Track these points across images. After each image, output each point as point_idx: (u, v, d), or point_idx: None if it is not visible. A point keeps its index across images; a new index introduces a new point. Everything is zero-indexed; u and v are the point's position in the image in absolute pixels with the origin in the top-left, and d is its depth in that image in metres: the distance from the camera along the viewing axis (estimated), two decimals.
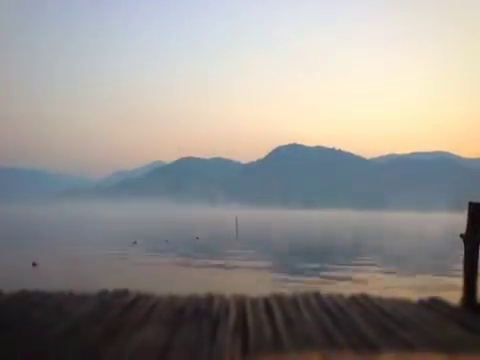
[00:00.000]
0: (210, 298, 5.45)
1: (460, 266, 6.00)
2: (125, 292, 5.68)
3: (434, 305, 5.38)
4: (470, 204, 5.88)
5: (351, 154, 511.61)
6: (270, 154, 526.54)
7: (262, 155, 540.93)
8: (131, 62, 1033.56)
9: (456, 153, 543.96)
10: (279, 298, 5.50)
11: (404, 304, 5.46)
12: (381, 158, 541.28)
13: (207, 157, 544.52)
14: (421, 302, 5.54)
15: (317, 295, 5.65)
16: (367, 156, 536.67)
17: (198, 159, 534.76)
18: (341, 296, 5.66)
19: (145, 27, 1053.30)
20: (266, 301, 5.34)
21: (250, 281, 16.61)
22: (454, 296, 5.86)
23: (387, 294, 6.31)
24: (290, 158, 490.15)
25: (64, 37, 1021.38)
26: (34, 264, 19.67)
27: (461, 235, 5.95)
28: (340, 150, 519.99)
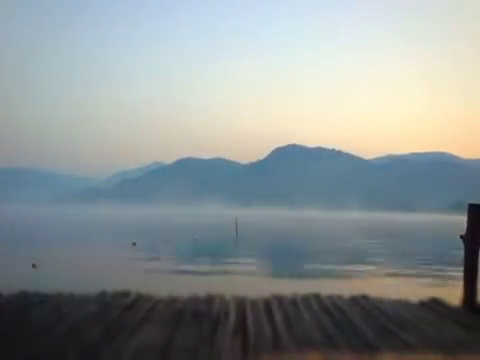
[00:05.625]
0: (210, 299, 5.45)
1: (460, 267, 6.00)
2: (125, 293, 5.68)
3: (434, 306, 5.38)
4: (470, 206, 5.88)
5: (350, 154, 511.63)
6: (270, 155, 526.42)
7: (262, 156, 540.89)
8: (131, 63, 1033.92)
9: (455, 153, 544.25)
10: (279, 299, 5.50)
11: (404, 305, 5.46)
12: (380, 158, 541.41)
13: (207, 157, 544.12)
14: (421, 303, 5.54)
15: (317, 296, 5.65)
16: (366, 156, 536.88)
17: (198, 159, 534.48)
18: (341, 297, 5.66)
19: (146, 28, 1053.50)
20: (266, 302, 5.35)
21: (250, 282, 16.59)
22: (454, 297, 5.86)
23: (387, 295, 6.30)
24: (290, 159, 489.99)
25: (66, 37, 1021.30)
26: (34, 266, 19.64)
27: (461, 236, 5.96)
28: (340, 150, 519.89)
